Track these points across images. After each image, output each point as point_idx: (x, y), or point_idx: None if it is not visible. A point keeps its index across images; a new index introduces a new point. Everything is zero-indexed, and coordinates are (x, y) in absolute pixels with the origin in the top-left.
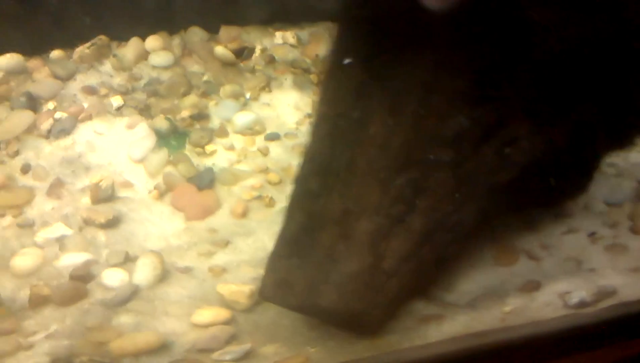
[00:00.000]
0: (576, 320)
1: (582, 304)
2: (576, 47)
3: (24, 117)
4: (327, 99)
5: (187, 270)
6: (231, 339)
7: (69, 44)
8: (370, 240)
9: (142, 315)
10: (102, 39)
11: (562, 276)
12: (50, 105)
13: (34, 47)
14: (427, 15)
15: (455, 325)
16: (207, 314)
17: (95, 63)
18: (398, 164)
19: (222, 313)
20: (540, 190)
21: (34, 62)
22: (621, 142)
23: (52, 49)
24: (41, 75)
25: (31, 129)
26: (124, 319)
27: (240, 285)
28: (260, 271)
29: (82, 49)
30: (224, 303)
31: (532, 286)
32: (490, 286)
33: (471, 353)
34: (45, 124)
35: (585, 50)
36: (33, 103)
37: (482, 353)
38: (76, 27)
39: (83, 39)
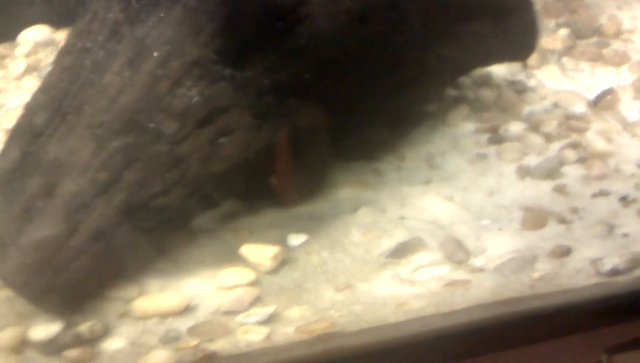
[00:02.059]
0: (609, 288)
1: (615, 272)
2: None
3: None
4: (79, 30)
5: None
6: (255, 301)
7: None
8: (68, 203)
9: (167, 276)
10: None
11: (594, 242)
12: None
13: (61, 20)
14: None
15: (481, 291)
16: (232, 275)
17: None
18: (118, 124)
19: (247, 275)
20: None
21: (61, 34)
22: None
23: None
24: None
25: None
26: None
27: (265, 245)
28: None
29: None
30: (248, 264)
31: (561, 252)
32: (518, 250)
33: (499, 321)
34: None
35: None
36: None
37: (510, 322)
38: None
39: None
